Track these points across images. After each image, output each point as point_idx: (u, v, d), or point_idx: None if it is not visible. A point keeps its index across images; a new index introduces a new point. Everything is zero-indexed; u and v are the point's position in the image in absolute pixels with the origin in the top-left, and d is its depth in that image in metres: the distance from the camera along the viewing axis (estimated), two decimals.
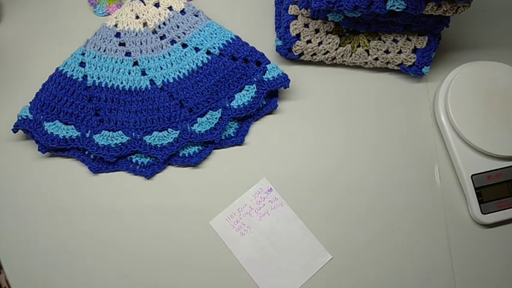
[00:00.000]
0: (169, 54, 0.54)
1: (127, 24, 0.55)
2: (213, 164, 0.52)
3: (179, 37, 0.55)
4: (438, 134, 0.54)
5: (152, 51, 0.54)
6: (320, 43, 0.54)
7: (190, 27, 0.55)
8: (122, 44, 0.54)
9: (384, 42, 0.54)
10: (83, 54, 0.53)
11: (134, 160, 0.52)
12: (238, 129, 0.54)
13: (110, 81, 0.53)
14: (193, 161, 0.52)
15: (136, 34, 0.54)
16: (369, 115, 0.55)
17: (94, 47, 0.54)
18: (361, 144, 0.53)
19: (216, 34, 0.55)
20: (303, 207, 0.51)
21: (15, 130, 0.50)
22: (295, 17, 0.54)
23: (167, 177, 0.52)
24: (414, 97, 0.56)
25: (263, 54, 0.54)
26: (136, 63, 0.54)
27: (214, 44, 0.54)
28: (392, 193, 0.51)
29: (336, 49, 0.54)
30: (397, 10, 0.48)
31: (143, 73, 0.54)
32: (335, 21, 0.52)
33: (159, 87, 0.53)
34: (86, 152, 0.52)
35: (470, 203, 0.50)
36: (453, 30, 0.58)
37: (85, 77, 0.53)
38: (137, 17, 0.55)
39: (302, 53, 0.55)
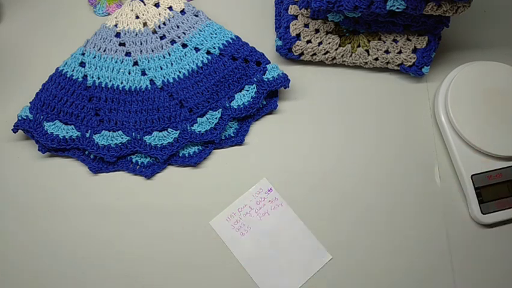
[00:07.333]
0: (169, 54, 0.54)
1: (127, 24, 0.55)
2: (213, 164, 0.52)
3: (179, 37, 0.55)
4: (438, 134, 0.54)
5: (152, 51, 0.54)
6: (320, 43, 0.54)
7: (190, 27, 0.55)
8: (122, 44, 0.54)
9: (384, 42, 0.54)
10: (83, 54, 0.53)
11: (134, 160, 0.52)
12: (238, 129, 0.54)
13: (110, 81, 0.53)
14: (193, 161, 0.52)
15: (136, 34, 0.54)
16: (369, 115, 0.55)
17: (94, 47, 0.54)
18: (361, 144, 0.53)
19: (216, 34, 0.55)
20: (303, 207, 0.50)
21: (15, 130, 0.50)
22: (295, 17, 0.54)
23: (167, 177, 0.52)
24: (414, 97, 0.56)
25: (263, 54, 0.54)
26: (136, 63, 0.54)
27: (214, 44, 0.54)
28: (392, 193, 0.51)
29: (336, 49, 0.54)
30: (397, 10, 0.48)
31: (143, 73, 0.54)
32: (335, 21, 0.52)
33: (159, 87, 0.53)
34: (86, 152, 0.52)
35: (470, 203, 0.50)
36: (453, 30, 0.58)
37: (85, 77, 0.53)
38: (137, 17, 0.55)
39: (302, 53, 0.55)
